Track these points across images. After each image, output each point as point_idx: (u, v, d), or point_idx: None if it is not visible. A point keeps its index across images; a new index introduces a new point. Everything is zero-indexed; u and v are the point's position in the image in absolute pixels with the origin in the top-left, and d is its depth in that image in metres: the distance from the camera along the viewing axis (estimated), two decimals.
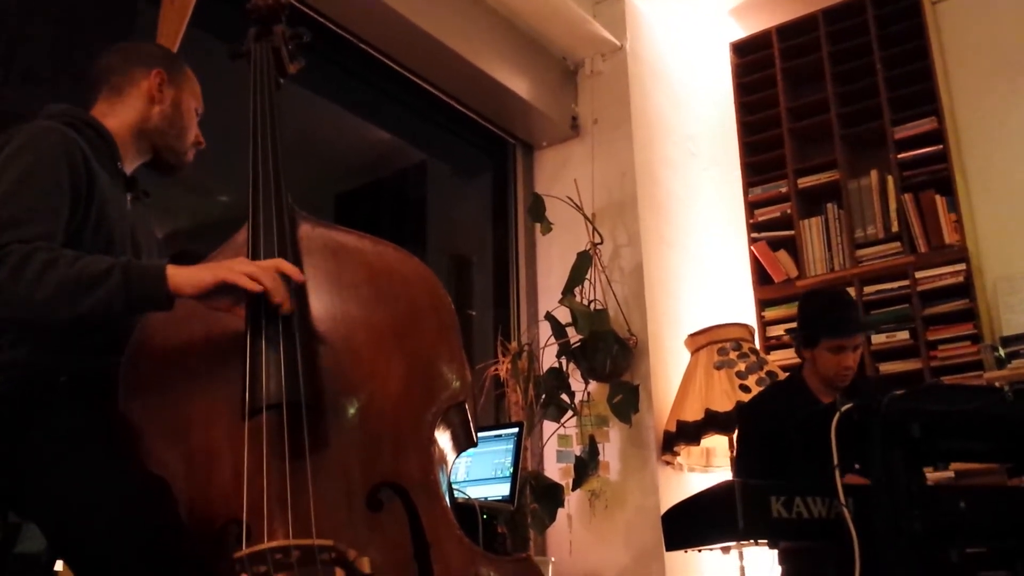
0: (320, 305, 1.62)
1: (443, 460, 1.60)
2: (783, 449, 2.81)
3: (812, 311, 3.09)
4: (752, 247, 4.51)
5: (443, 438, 1.60)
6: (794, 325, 3.18)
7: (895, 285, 4.12)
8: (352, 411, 1.53)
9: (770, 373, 3.84)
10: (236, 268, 1.53)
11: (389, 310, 1.63)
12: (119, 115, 1.85)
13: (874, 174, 4.30)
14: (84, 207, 1.65)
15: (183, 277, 1.52)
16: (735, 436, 3.41)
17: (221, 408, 1.53)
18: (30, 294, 1.46)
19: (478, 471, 3.22)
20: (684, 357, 4.16)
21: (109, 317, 1.54)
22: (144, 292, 1.51)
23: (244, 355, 1.51)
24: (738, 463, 3.13)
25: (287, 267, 1.56)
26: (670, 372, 4.16)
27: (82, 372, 1.63)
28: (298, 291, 1.59)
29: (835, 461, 2.26)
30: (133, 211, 1.85)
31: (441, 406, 1.56)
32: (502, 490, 3.13)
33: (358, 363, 1.57)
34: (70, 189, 1.62)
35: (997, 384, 3.62)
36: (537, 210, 4.19)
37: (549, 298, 4.29)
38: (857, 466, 2.41)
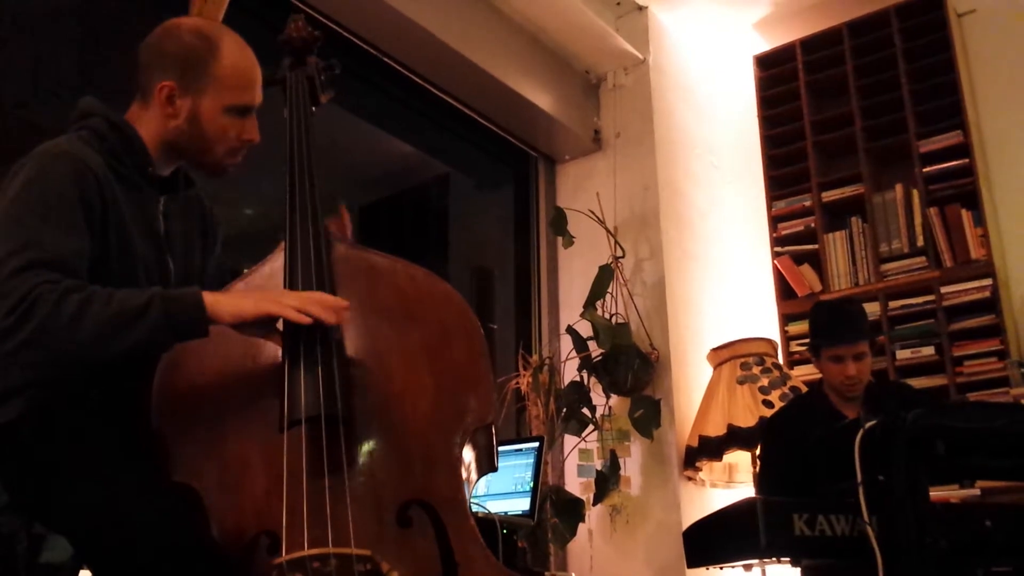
0: (355, 326, 1.65)
1: (468, 480, 1.64)
2: (806, 464, 2.79)
3: (813, 321, 3.14)
4: (775, 261, 4.48)
5: (468, 459, 1.63)
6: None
7: (920, 300, 4.08)
8: (384, 429, 1.57)
9: (793, 388, 3.81)
10: (282, 301, 1.54)
11: (421, 332, 1.68)
12: (145, 124, 1.76)
13: (899, 188, 4.26)
14: (101, 239, 1.62)
15: (223, 306, 1.52)
16: (759, 451, 3.39)
17: (255, 421, 1.57)
18: (70, 336, 1.45)
19: (498, 485, 3.21)
20: (706, 372, 4.14)
21: (152, 349, 1.56)
22: (185, 322, 1.51)
23: (280, 368, 1.56)
24: (761, 478, 3.12)
25: (330, 301, 1.58)
26: (692, 387, 4.14)
27: (113, 388, 1.63)
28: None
29: (858, 478, 2.24)
30: (172, 211, 1.82)
31: (469, 427, 1.60)
32: (522, 505, 3.12)
33: (390, 382, 1.62)
34: (84, 222, 1.58)
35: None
36: (559, 223, 4.19)
37: (570, 311, 4.28)
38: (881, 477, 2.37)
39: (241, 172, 1.89)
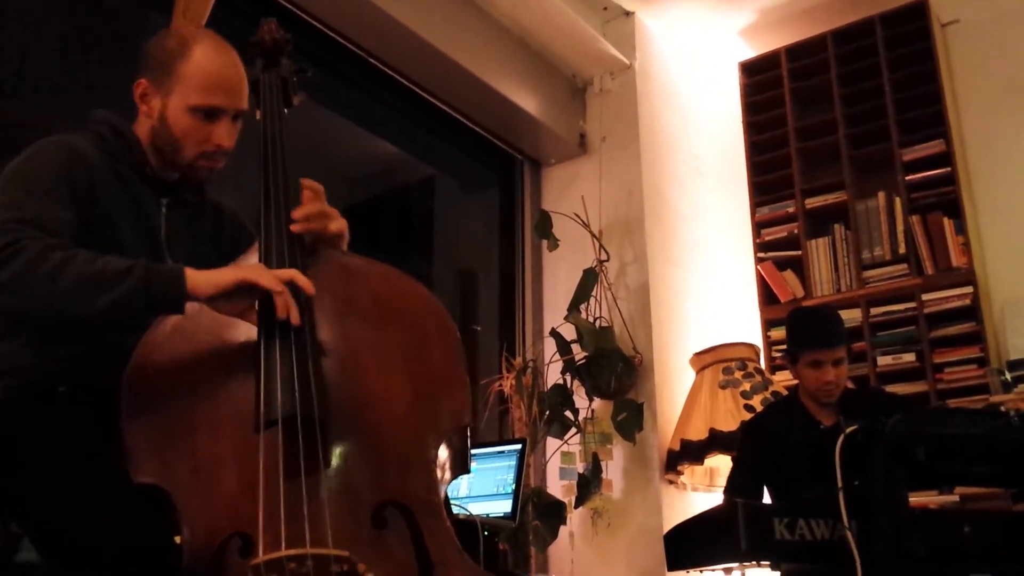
0: (329, 327, 1.64)
1: (443, 481, 1.63)
2: (781, 469, 2.81)
3: (792, 327, 3.14)
4: (759, 267, 4.50)
5: (443, 460, 1.62)
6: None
7: (902, 307, 4.11)
8: (359, 430, 1.55)
9: (775, 393, 3.83)
10: (256, 270, 1.56)
11: (397, 334, 1.66)
12: (139, 126, 1.82)
13: (881, 195, 4.29)
14: (85, 218, 1.66)
15: (202, 278, 1.54)
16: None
17: (227, 420, 1.54)
18: (48, 288, 1.47)
19: (480, 487, 3.21)
20: (689, 376, 4.15)
21: (124, 316, 1.55)
22: (163, 292, 1.52)
23: (253, 368, 1.54)
24: (730, 479, 3.12)
25: (300, 279, 1.57)
26: (675, 391, 4.15)
27: (81, 382, 1.63)
28: (308, 312, 1.60)
29: (839, 483, 2.25)
30: (178, 214, 1.84)
31: (445, 429, 1.60)
32: (504, 507, 3.12)
33: (366, 383, 1.60)
34: (69, 197, 1.64)
35: (1003, 408, 3.61)
36: (544, 226, 4.20)
37: (554, 314, 4.29)
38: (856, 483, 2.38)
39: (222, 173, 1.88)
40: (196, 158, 1.79)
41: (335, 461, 1.51)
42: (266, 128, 1.87)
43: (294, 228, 1.72)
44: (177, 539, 1.51)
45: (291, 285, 1.56)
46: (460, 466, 1.68)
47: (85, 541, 1.46)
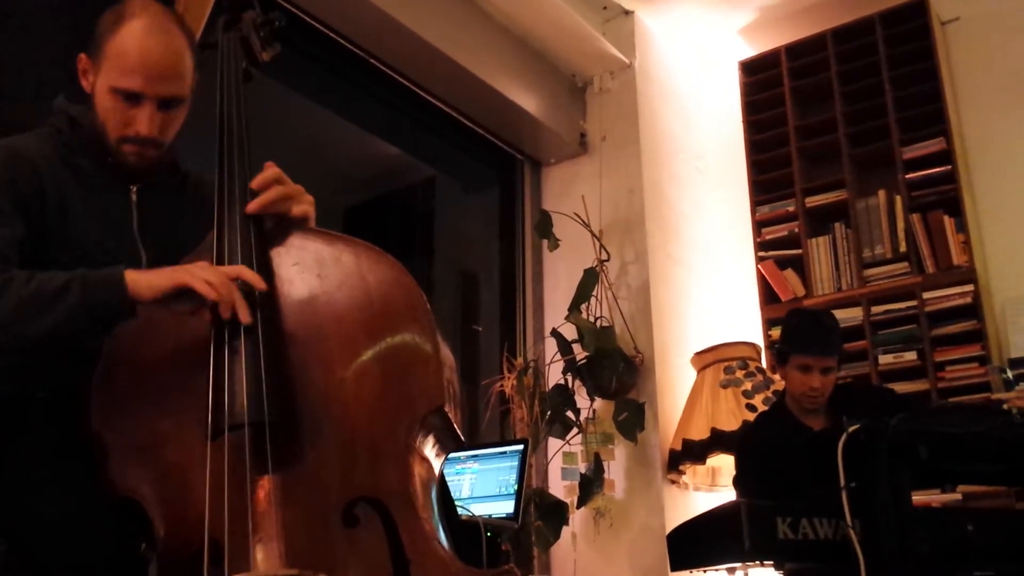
0: (290, 310, 1.54)
1: (427, 469, 1.53)
2: (780, 476, 2.80)
3: (788, 327, 3.12)
4: (759, 266, 4.50)
5: (425, 445, 1.52)
6: None
7: (903, 305, 4.11)
8: (326, 422, 1.45)
9: (776, 392, 3.82)
10: (195, 272, 1.46)
11: (362, 313, 1.54)
12: (91, 106, 1.70)
13: (882, 194, 4.29)
14: (37, 226, 1.58)
15: (142, 282, 1.45)
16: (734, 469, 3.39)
17: (193, 425, 1.45)
18: None
19: (482, 488, 3.21)
20: (690, 375, 4.15)
21: (74, 333, 1.47)
22: (105, 301, 1.44)
23: (208, 369, 1.45)
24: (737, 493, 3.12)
25: (248, 275, 1.48)
26: (676, 390, 4.15)
27: (60, 386, 1.56)
28: (266, 297, 1.51)
29: (842, 482, 2.25)
30: (153, 200, 1.73)
31: (418, 412, 1.47)
32: (506, 507, 3.11)
33: (330, 370, 1.49)
34: (13, 208, 1.56)
35: (1004, 406, 3.61)
36: (544, 226, 4.19)
37: (555, 314, 4.29)
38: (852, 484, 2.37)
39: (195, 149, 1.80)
40: (118, 142, 1.66)
41: (299, 462, 1.41)
42: (221, 101, 1.73)
43: (249, 208, 1.60)
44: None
45: (239, 281, 1.46)
46: (452, 442, 1.57)
47: (63, 550, 1.45)
